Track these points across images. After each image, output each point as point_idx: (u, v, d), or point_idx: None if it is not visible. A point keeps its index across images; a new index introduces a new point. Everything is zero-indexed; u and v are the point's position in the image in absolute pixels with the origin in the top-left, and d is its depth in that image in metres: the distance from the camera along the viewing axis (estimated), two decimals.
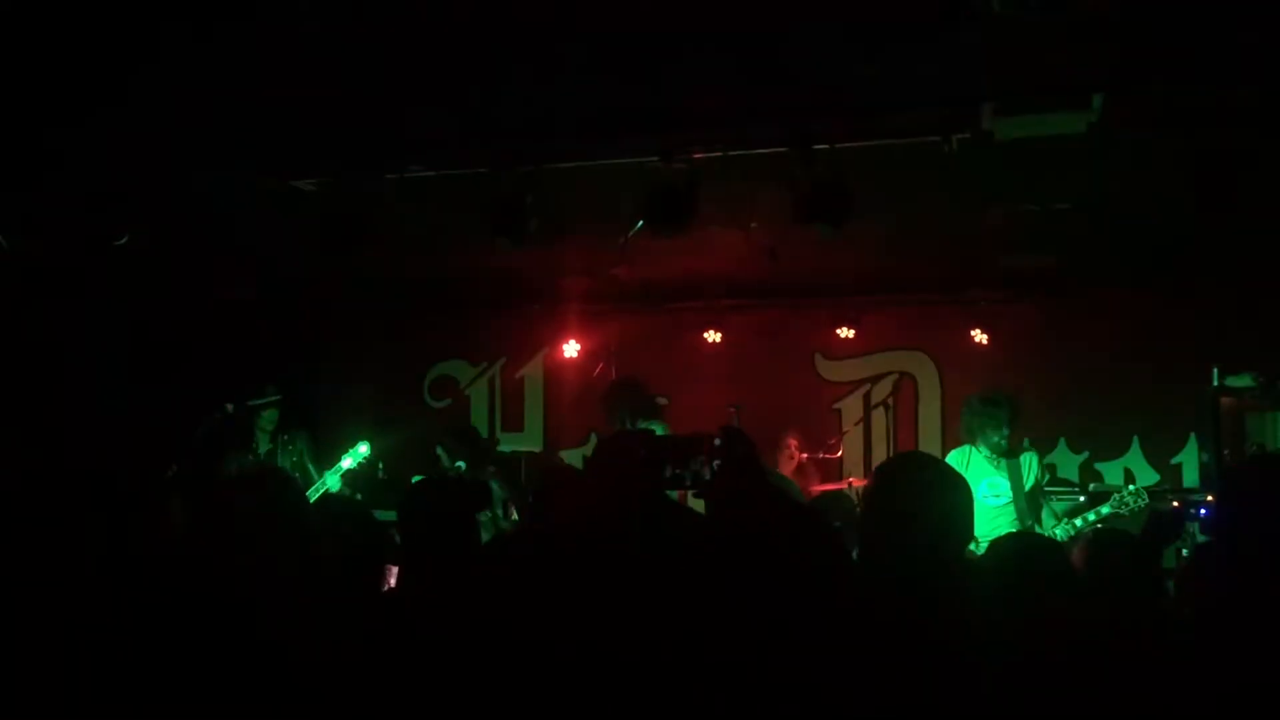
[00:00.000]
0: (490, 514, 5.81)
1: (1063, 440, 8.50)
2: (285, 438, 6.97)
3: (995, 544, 3.44)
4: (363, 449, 6.82)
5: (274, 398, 6.97)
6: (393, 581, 3.64)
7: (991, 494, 5.98)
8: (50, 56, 4.06)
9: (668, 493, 2.53)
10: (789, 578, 2.06)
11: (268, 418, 6.97)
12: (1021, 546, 3.41)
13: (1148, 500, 6.04)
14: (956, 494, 2.36)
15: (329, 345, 9.81)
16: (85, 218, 5.68)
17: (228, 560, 2.58)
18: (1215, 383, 7.23)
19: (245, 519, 2.57)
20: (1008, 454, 6.02)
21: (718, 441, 2.53)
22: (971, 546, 4.90)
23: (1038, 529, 5.94)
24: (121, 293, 7.29)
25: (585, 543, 2.51)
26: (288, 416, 7.06)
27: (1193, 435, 8.09)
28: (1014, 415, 6.02)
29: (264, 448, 6.98)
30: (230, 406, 6.51)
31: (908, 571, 2.16)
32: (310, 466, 6.93)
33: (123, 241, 5.61)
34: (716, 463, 2.41)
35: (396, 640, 2.64)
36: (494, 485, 6.15)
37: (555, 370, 9.56)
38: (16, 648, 2.37)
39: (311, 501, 4.59)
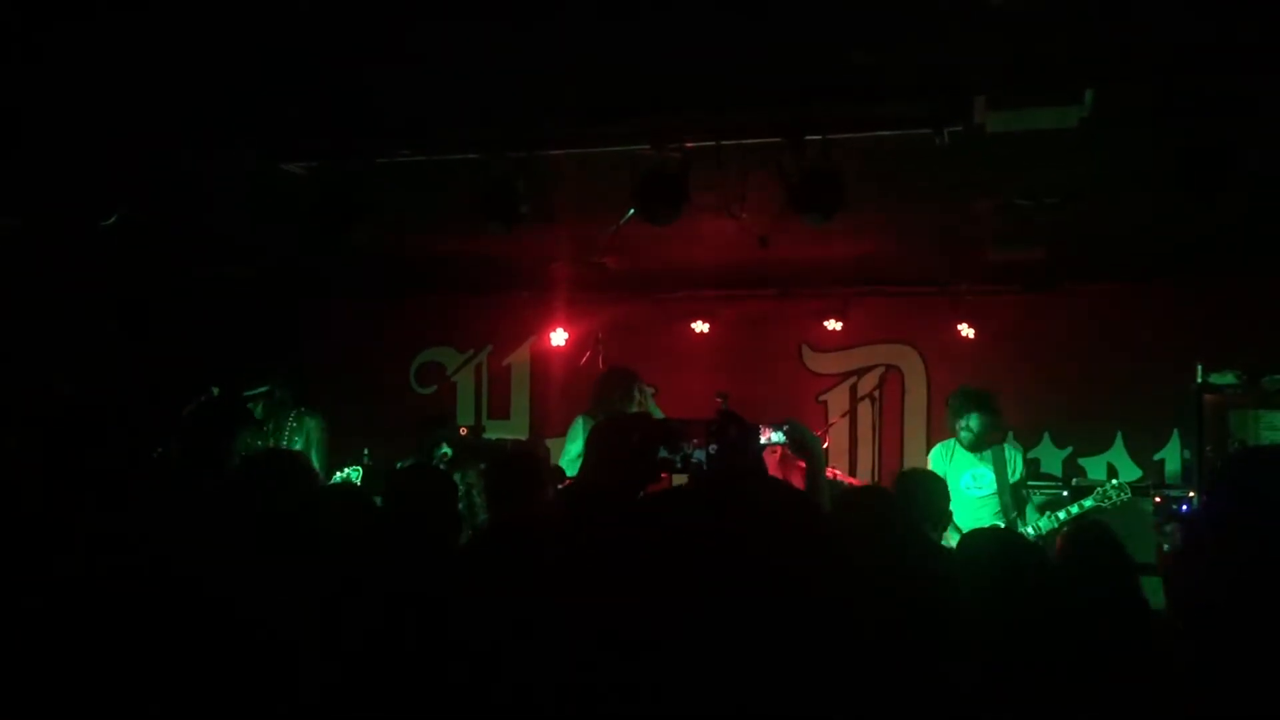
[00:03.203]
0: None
1: (1046, 435, 8.55)
2: (295, 424, 6.79)
3: (967, 540, 3.46)
4: (354, 476, 6.60)
5: (261, 389, 6.79)
6: None
7: (975, 485, 6.03)
8: (36, 34, 4.02)
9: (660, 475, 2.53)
10: (780, 567, 2.06)
11: (256, 411, 6.73)
12: (996, 544, 3.43)
13: (1130, 495, 6.10)
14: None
15: (315, 329, 9.77)
16: (72, 197, 5.63)
17: (221, 544, 2.56)
18: (1199, 379, 7.29)
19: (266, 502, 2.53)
20: (978, 448, 6.07)
21: (713, 427, 2.54)
22: (954, 537, 4.94)
23: (1021, 522, 5.99)
24: (107, 271, 7.24)
25: (577, 530, 2.50)
26: (273, 410, 6.84)
27: (1176, 431, 8.15)
28: (984, 413, 6.07)
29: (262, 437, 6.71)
30: (216, 389, 6.38)
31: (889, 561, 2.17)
32: (314, 456, 6.67)
33: (110, 221, 5.57)
34: (713, 447, 2.41)
35: (387, 628, 2.63)
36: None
37: (542, 358, 9.55)
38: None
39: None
